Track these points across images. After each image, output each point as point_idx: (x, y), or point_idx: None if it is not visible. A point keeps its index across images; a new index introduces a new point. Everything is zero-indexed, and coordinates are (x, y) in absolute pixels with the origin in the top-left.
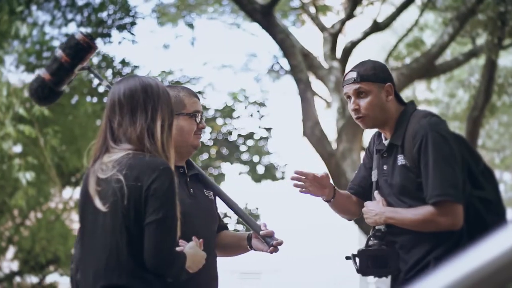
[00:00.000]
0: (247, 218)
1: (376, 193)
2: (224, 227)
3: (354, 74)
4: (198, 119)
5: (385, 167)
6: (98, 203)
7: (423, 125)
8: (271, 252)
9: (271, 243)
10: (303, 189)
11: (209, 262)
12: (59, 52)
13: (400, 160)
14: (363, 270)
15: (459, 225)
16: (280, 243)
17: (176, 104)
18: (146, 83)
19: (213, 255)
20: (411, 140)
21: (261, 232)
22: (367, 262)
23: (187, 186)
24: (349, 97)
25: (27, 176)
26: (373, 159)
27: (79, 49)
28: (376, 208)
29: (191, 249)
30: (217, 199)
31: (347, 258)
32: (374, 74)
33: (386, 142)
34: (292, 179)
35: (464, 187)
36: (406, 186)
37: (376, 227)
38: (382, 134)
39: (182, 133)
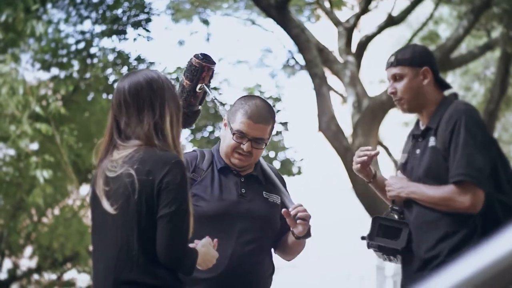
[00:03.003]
0: (289, 202)
1: (398, 173)
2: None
3: (392, 59)
4: (237, 139)
5: (417, 151)
6: (105, 204)
7: (459, 110)
8: (300, 232)
9: (296, 217)
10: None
11: (254, 261)
12: (181, 77)
13: (431, 142)
14: (371, 238)
15: (477, 209)
16: (305, 217)
17: (232, 113)
18: (150, 78)
19: (261, 257)
20: (444, 123)
21: (291, 212)
22: (378, 230)
23: (238, 186)
24: (389, 80)
25: (44, 174)
26: (406, 143)
27: (193, 70)
28: (400, 182)
29: (203, 247)
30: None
31: (363, 238)
32: (410, 58)
33: (422, 127)
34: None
35: (489, 181)
36: (432, 168)
37: (394, 204)
38: (420, 121)
39: (223, 142)
